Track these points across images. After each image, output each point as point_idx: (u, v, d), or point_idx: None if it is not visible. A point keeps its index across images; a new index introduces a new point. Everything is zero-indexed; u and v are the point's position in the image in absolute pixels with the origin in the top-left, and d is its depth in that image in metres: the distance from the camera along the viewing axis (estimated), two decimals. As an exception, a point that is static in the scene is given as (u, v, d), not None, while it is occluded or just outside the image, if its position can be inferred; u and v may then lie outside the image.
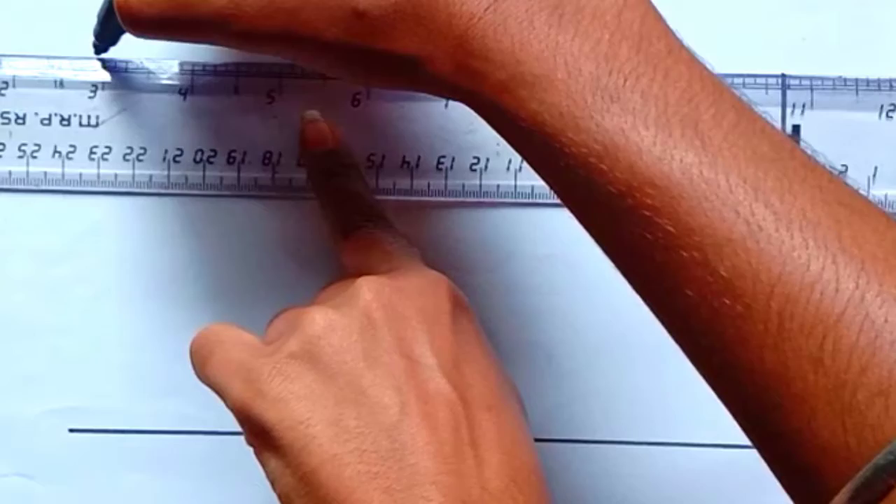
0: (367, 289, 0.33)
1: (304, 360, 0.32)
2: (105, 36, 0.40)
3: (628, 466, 0.41)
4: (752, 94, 0.42)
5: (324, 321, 0.32)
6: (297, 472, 0.31)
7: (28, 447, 0.41)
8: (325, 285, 0.36)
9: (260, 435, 0.32)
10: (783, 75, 0.41)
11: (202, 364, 0.34)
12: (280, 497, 0.31)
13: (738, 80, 0.41)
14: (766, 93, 0.41)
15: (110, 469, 0.41)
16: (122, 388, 0.41)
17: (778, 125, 0.41)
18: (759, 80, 0.41)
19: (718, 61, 0.42)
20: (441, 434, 0.30)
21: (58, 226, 0.42)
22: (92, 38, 0.40)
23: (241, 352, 0.33)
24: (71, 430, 0.41)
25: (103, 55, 0.41)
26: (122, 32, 0.38)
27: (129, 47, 0.41)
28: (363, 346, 0.32)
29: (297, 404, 0.31)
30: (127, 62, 0.41)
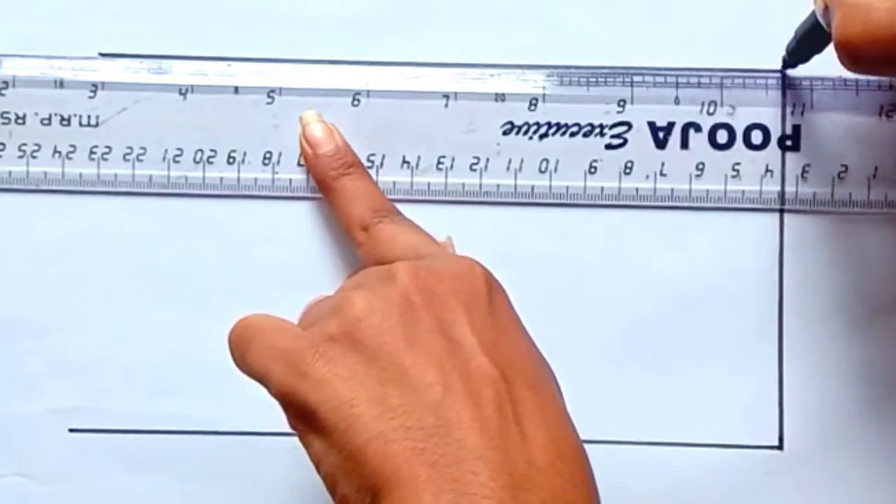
0: (403, 272, 0.33)
1: (345, 342, 0.32)
2: (799, 54, 0.40)
3: (628, 466, 0.41)
4: (752, 94, 0.42)
5: (364, 303, 0.32)
6: (342, 451, 0.30)
7: (28, 447, 0.41)
8: (350, 275, 0.36)
9: (304, 417, 0.32)
10: (783, 75, 0.41)
11: (242, 353, 0.34)
12: (325, 478, 0.31)
13: (739, 80, 0.41)
14: (766, 93, 0.41)
15: (110, 469, 0.41)
16: (122, 388, 0.41)
17: (778, 125, 0.41)
18: (759, 80, 0.41)
19: (719, 60, 0.42)
20: (485, 411, 0.30)
21: (58, 226, 0.42)
22: (784, 54, 0.40)
23: (281, 338, 0.33)
24: (71, 430, 0.41)
25: (789, 70, 0.41)
26: (817, 53, 0.38)
27: (135, 44, 0.42)
28: (403, 327, 0.32)
29: (341, 385, 0.31)
30: (127, 62, 0.41)
